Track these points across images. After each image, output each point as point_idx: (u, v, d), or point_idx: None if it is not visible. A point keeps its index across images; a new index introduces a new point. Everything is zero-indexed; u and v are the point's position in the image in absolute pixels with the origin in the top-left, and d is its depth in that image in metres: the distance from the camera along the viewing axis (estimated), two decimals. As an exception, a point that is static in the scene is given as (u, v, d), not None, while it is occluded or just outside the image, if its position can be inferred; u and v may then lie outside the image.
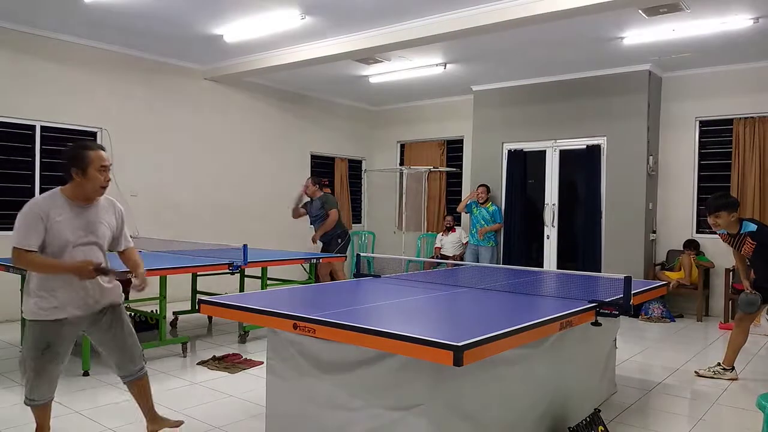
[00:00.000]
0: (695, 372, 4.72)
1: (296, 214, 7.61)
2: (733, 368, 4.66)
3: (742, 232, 4.41)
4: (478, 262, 8.17)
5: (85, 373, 4.41)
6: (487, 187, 8.57)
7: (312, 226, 7.62)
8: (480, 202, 8.51)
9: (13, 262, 2.79)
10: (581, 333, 3.52)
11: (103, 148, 2.92)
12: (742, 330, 4.67)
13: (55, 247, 2.80)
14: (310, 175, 9.01)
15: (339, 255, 6.97)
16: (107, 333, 3.03)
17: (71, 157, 2.85)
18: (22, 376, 2.97)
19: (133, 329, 3.15)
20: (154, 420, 3.23)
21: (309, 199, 7.51)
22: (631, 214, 7.69)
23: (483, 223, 8.42)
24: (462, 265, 6.00)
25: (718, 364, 4.69)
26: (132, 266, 3.15)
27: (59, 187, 2.90)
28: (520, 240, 8.59)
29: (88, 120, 7.10)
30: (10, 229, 7.13)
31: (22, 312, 2.93)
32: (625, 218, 7.72)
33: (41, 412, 2.99)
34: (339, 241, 7.39)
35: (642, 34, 6.28)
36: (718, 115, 7.60)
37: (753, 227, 4.39)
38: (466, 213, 8.70)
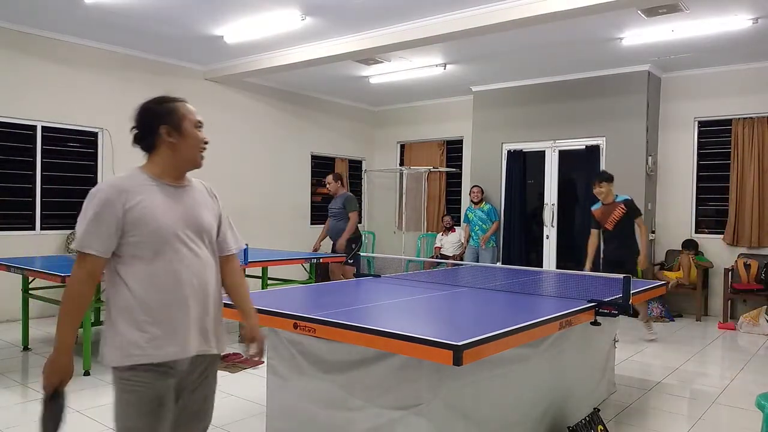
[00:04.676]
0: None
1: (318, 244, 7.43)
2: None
3: (616, 200, 5.61)
4: (478, 262, 8.18)
5: (86, 373, 4.41)
6: (481, 188, 8.59)
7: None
8: (474, 201, 8.52)
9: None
10: (580, 333, 3.53)
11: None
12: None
13: (154, 244, 1.84)
14: (332, 172, 7.82)
15: (351, 262, 6.58)
16: (192, 395, 1.97)
17: (156, 114, 2.00)
18: None
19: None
20: None
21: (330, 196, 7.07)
22: (631, 214, 7.70)
23: (480, 224, 8.44)
24: (462, 264, 6.01)
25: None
26: (238, 303, 2.11)
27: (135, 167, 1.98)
28: (519, 240, 8.59)
29: (89, 120, 7.10)
30: (11, 229, 7.12)
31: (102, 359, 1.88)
32: (625, 218, 7.72)
33: None
34: (353, 246, 6.89)
35: (641, 34, 6.29)
36: (717, 115, 7.61)
37: (627, 197, 5.70)
38: (465, 224, 8.69)
